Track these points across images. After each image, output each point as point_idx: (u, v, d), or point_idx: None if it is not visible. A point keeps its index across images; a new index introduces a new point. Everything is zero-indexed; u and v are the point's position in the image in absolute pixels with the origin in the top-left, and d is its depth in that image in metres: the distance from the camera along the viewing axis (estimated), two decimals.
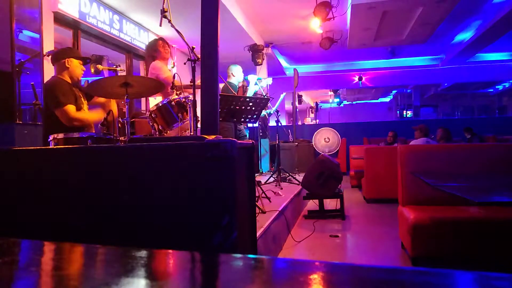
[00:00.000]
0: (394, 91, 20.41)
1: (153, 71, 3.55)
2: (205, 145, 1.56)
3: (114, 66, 3.01)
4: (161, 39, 3.78)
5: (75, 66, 2.89)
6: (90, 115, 2.87)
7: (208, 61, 2.29)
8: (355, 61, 12.88)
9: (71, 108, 2.74)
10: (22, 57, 3.38)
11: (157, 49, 3.66)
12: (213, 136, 1.73)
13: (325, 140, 5.46)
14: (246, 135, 4.71)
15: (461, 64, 12.42)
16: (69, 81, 2.91)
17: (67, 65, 2.88)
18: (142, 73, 7.25)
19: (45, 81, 3.51)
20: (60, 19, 4.92)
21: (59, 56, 2.92)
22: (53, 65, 2.97)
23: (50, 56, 3.12)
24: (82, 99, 2.96)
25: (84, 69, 2.99)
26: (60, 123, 2.73)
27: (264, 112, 6.00)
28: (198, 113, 2.50)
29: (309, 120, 20.35)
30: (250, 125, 4.96)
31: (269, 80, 5.09)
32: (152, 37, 7.11)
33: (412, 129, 5.84)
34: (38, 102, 3.22)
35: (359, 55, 11.73)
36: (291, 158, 6.96)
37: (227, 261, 0.54)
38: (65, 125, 2.73)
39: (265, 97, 3.96)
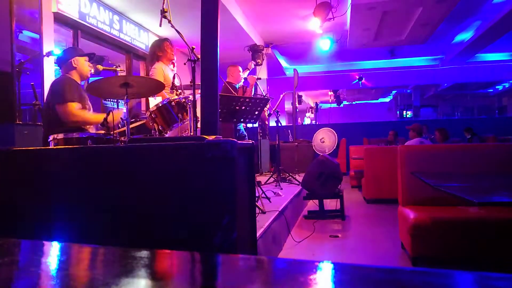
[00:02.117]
0: (394, 91, 20.41)
1: (153, 75, 3.55)
2: (205, 145, 1.56)
3: (114, 67, 3.01)
4: (168, 39, 3.77)
5: (82, 64, 2.89)
6: (91, 115, 2.84)
7: (208, 61, 2.29)
8: (355, 61, 12.89)
9: (72, 105, 2.71)
10: (22, 57, 3.39)
11: (164, 49, 3.66)
12: (213, 137, 1.73)
13: (321, 141, 5.46)
14: (246, 135, 4.71)
15: (461, 64, 12.43)
16: (78, 80, 2.90)
17: (74, 65, 2.88)
18: (142, 73, 7.25)
19: (45, 81, 3.51)
20: (60, 20, 4.92)
21: (65, 57, 2.92)
22: (60, 67, 2.95)
23: (53, 58, 3.12)
24: (88, 100, 2.94)
25: (91, 65, 2.96)
26: (60, 123, 2.71)
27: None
28: (198, 113, 2.50)
29: (308, 120, 20.36)
30: (249, 125, 4.95)
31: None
32: (152, 37, 7.11)
33: (407, 129, 5.84)
34: (38, 102, 3.23)
35: (359, 55, 11.74)
36: (291, 158, 6.96)
37: (227, 261, 0.54)
38: (64, 125, 2.70)
39: (265, 97, 3.97)
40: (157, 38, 3.93)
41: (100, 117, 2.78)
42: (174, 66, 3.94)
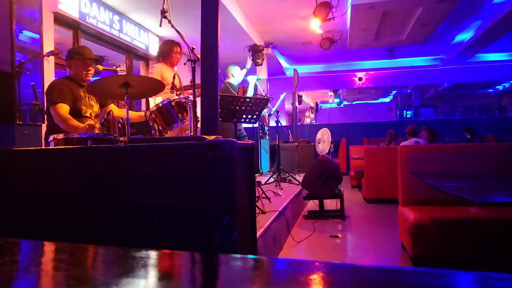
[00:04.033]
0: (394, 91, 20.41)
1: (151, 74, 3.59)
2: (205, 145, 1.56)
3: (114, 67, 3.00)
4: (178, 44, 3.77)
5: (75, 66, 2.85)
6: (74, 124, 2.63)
7: (208, 61, 2.29)
8: (355, 61, 12.89)
9: (61, 107, 2.65)
10: (22, 57, 3.39)
11: (171, 53, 3.71)
12: (213, 137, 1.73)
13: (318, 141, 5.50)
14: (246, 135, 4.71)
15: (461, 64, 12.43)
16: (78, 81, 2.86)
17: (70, 68, 2.86)
18: (142, 73, 7.26)
19: (45, 81, 3.50)
20: (60, 20, 4.92)
21: (66, 60, 2.91)
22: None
23: (53, 58, 3.10)
24: (90, 101, 2.89)
25: (91, 68, 2.85)
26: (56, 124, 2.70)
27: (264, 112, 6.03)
28: (198, 114, 2.50)
29: (308, 120, 20.37)
30: (247, 125, 4.98)
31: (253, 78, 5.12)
32: (152, 38, 7.11)
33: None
34: (38, 103, 3.23)
35: (359, 55, 11.74)
36: (291, 158, 6.96)
37: (227, 261, 0.54)
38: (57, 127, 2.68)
39: (265, 97, 3.97)
40: (168, 39, 3.95)
41: (80, 129, 2.57)
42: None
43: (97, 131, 2.50)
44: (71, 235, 1.64)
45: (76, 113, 2.75)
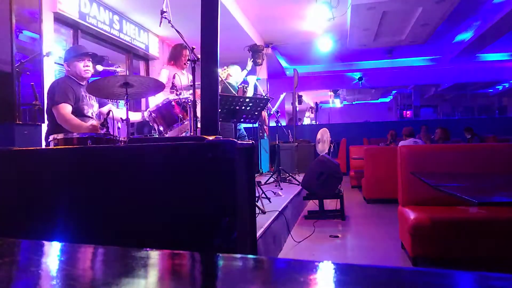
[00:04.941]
0: (394, 91, 20.40)
1: (159, 75, 3.65)
2: (205, 145, 1.56)
3: (114, 67, 3.00)
4: (185, 48, 3.80)
5: (73, 65, 2.86)
6: (76, 123, 2.65)
7: (208, 61, 2.29)
8: (355, 61, 12.87)
9: (64, 107, 2.67)
10: (22, 57, 3.38)
11: (180, 57, 3.83)
12: (213, 137, 1.73)
13: (318, 141, 5.52)
14: (246, 135, 4.71)
15: (461, 64, 12.41)
16: (77, 79, 2.87)
17: (67, 68, 2.88)
18: (142, 73, 7.25)
19: (45, 81, 3.50)
20: (60, 20, 4.91)
21: (64, 62, 2.92)
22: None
23: (53, 58, 3.11)
24: (91, 101, 2.90)
25: (88, 65, 2.87)
26: (58, 124, 2.71)
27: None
28: (198, 113, 2.50)
29: (308, 120, 20.37)
30: (247, 125, 4.99)
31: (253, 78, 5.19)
32: (152, 38, 7.11)
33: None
34: (38, 102, 3.22)
35: (359, 55, 11.73)
36: (291, 159, 6.95)
37: (227, 261, 0.54)
38: (60, 126, 2.70)
39: (265, 97, 3.97)
40: (178, 43, 4.04)
41: (83, 128, 2.60)
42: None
43: (98, 131, 2.51)
44: (71, 235, 1.64)
45: (79, 112, 2.77)
